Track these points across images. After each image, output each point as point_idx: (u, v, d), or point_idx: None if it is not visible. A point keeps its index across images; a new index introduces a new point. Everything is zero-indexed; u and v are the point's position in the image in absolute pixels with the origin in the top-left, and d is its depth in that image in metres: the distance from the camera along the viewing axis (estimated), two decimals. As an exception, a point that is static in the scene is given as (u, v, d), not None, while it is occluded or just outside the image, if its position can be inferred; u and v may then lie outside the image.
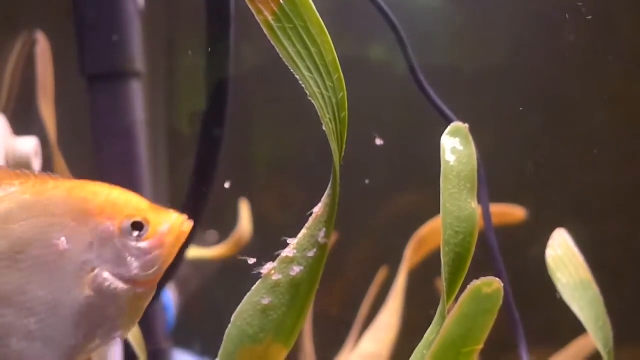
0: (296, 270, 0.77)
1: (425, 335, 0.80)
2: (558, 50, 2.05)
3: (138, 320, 0.82)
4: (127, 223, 0.79)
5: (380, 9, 1.17)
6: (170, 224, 0.80)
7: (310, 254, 0.78)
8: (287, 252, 0.78)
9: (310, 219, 0.79)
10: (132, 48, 1.49)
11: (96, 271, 0.79)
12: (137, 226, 0.79)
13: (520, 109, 1.95)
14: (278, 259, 0.78)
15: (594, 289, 1.04)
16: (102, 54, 1.48)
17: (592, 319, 1.02)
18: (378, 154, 2.20)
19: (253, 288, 0.78)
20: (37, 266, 0.79)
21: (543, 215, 1.59)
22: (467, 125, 0.84)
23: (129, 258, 0.79)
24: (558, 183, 2.18)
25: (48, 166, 1.47)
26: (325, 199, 0.79)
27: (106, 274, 0.79)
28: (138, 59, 1.50)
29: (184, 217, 0.81)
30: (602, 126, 2.15)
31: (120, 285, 0.79)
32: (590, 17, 1.49)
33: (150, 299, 0.82)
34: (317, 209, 0.79)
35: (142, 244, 0.79)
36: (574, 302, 1.02)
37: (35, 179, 0.80)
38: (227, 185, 1.49)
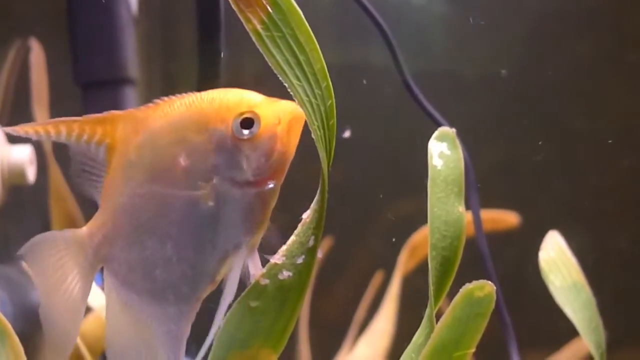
0: (285, 275, 0.78)
1: (413, 339, 0.80)
2: (560, 57, 2.07)
3: (267, 221, 0.79)
4: (237, 122, 0.76)
5: (367, 12, 1.17)
6: (281, 113, 0.77)
7: (300, 260, 0.78)
8: (276, 259, 0.78)
9: (299, 226, 0.79)
10: (126, 55, 1.49)
11: (214, 180, 0.77)
12: (247, 123, 0.76)
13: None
14: (267, 265, 0.79)
15: (587, 291, 1.05)
16: (96, 61, 1.49)
17: (585, 321, 1.02)
18: (374, 159, 2.21)
19: (243, 293, 0.79)
20: (167, 188, 0.78)
21: (536, 218, 1.59)
22: (454, 130, 0.84)
23: (243, 159, 0.77)
24: (554, 186, 2.19)
25: (43, 174, 1.47)
26: (314, 205, 0.79)
27: (223, 181, 0.77)
28: (132, 66, 1.50)
29: (293, 104, 0.77)
30: (601, 131, 2.16)
31: (238, 189, 0.77)
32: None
33: (276, 197, 0.79)
34: (306, 216, 0.79)
35: (254, 142, 0.76)
36: (567, 304, 1.03)
37: (164, 103, 0.79)
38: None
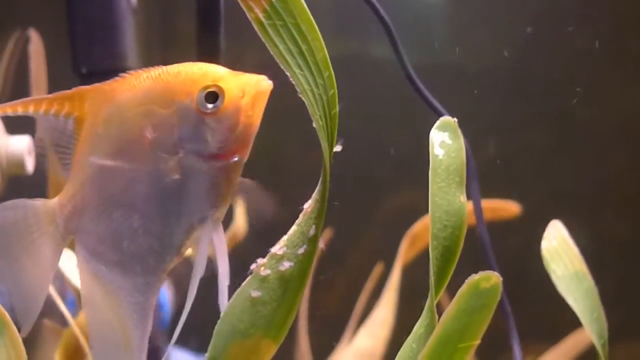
0: (286, 265, 0.78)
1: (414, 329, 0.80)
2: (560, 46, 2.06)
3: (230, 195, 0.80)
4: (201, 96, 0.77)
5: (368, 3, 1.17)
6: (246, 86, 0.78)
7: (301, 250, 0.78)
8: (277, 249, 0.78)
9: (301, 215, 0.79)
10: (125, 45, 1.49)
11: (180, 153, 0.78)
12: (212, 97, 0.77)
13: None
14: (268, 255, 0.79)
15: (589, 280, 1.04)
16: (95, 51, 1.48)
17: (587, 310, 1.02)
18: (376, 150, 2.21)
19: (243, 283, 0.78)
20: (134, 161, 0.79)
21: (537, 208, 1.59)
22: (456, 120, 0.84)
23: (207, 132, 0.78)
24: (555, 177, 2.19)
25: (41, 165, 1.46)
26: (315, 194, 0.79)
27: (189, 154, 0.78)
28: (131, 56, 1.50)
29: (261, 77, 0.78)
30: (602, 122, 2.16)
31: (203, 162, 0.78)
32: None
33: (240, 170, 0.80)
34: (307, 205, 0.79)
35: (218, 115, 0.77)
36: (569, 294, 1.02)
37: (131, 76, 0.79)
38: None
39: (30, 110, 0.79)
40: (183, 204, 0.79)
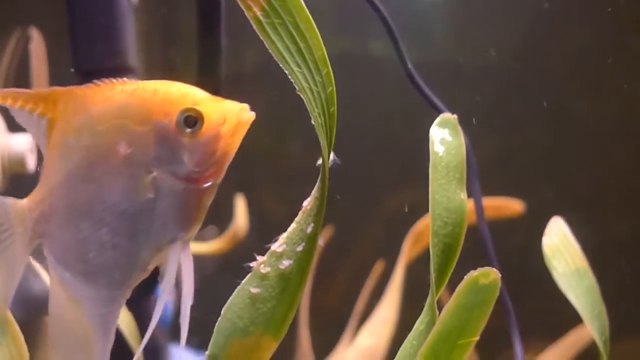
0: (286, 263, 0.78)
1: (415, 326, 0.80)
2: (560, 43, 2.06)
3: (202, 217, 0.79)
4: (181, 118, 0.76)
5: (369, 2, 1.17)
6: (227, 113, 0.77)
7: (300, 247, 0.78)
8: (276, 247, 0.78)
9: (300, 213, 0.79)
10: (126, 43, 1.49)
11: (155, 172, 0.77)
12: (191, 120, 0.77)
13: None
14: (267, 252, 0.79)
15: (590, 277, 1.04)
16: (96, 49, 1.48)
17: (588, 307, 1.02)
18: (377, 148, 2.21)
19: (243, 281, 0.79)
20: (105, 174, 0.78)
21: (539, 205, 1.59)
22: (456, 116, 0.84)
23: (185, 155, 0.77)
24: (556, 174, 2.18)
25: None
26: (314, 192, 0.79)
27: (164, 175, 0.77)
28: (132, 54, 1.50)
29: (243, 105, 0.78)
30: (603, 119, 2.16)
31: (178, 184, 0.77)
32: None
33: (213, 194, 0.79)
34: (307, 203, 0.79)
35: (197, 139, 0.77)
36: (570, 290, 1.02)
37: (105, 85, 0.78)
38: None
39: (8, 102, 0.79)
40: (153, 223, 0.78)
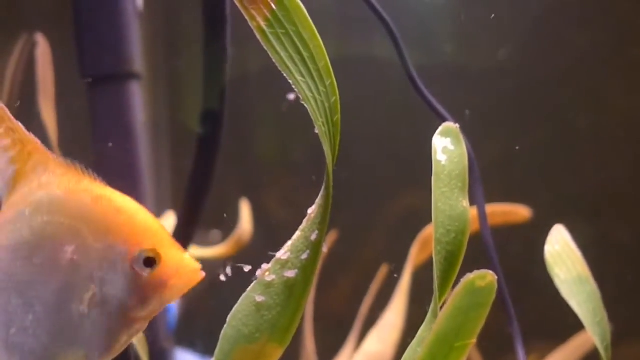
0: (290, 272, 0.78)
1: (418, 333, 0.80)
2: (562, 50, 2.06)
3: (116, 353, 0.79)
4: (140, 255, 0.76)
5: (370, 5, 1.17)
6: (180, 268, 0.77)
7: (305, 255, 0.78)
8: (281, 255, 0.79)
9: (305, 221, 0.79)
10: (131, 50, 1.50)
11: (96, 291, 0.76)
12: (148, 260, 0.76)
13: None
14: (273, 260, 0.79)
15: (592, 284, 1.05)
16: (102, 55, 1.49)
17: (590, 314, 1.02)
18: (381, 153, 2.21)
19: (248, 289, 0.79)
20: (46, 266, 0.76)
21: (541, 212, 1.59)
22: (458, 125, 0.84)
23: (129, 287, 0.76)
24: (558, 181, 2.19)
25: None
26: (319, 200, 0.79)
27: (102, 297, 0.76)
28: (137, 61, 1.51)
29: (197, 265, 0.77)
30: (605, 126, 2.16)
31: (113, 311, 0.76)
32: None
33: (136, 334, 0.79)
34: (311, 211, 0.79)
35: (146, 279, 0.76)
36: (572, 297, 1.03)
37: (74, 173, 0.78)
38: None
39: None
40: (77, 336, 0.77)
